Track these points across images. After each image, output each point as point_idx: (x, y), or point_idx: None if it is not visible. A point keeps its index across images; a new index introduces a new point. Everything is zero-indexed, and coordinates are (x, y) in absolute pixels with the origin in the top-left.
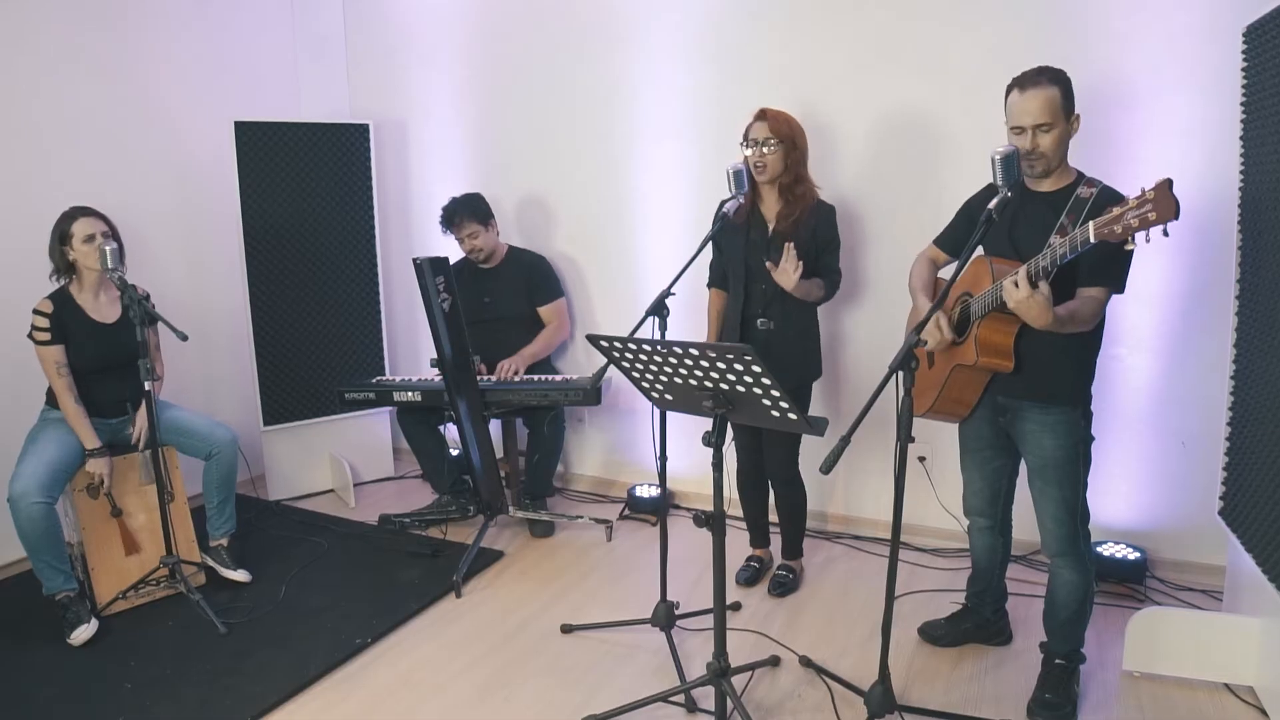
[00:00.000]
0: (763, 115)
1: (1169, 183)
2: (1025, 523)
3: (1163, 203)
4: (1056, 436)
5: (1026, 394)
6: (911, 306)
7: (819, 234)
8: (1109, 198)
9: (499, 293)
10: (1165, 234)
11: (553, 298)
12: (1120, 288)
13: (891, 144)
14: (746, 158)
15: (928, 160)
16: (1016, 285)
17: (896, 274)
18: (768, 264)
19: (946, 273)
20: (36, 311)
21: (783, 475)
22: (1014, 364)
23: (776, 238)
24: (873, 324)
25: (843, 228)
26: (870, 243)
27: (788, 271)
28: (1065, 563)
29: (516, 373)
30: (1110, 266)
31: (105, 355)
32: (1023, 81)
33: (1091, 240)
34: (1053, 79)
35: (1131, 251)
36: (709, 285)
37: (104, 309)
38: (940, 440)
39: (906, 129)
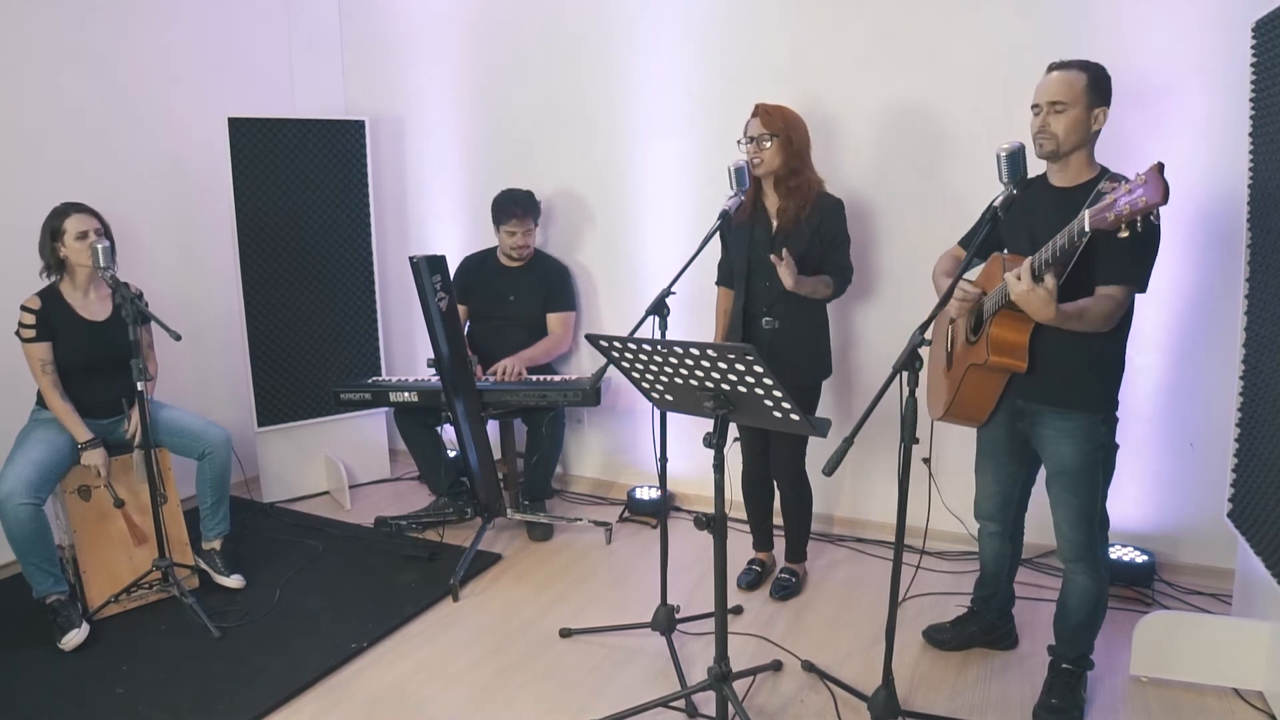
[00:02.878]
0: (757, 111)
1: (1160, 166)
2: (1034, 525)
3: (1153, 186)
4: (1075, 443)
5: (1045, 399)
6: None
7: (823, 229)
8: None
9: (522, 293)
10: (1155, 219)
11: (564, 308)
12: (1142, 286)
13: (899, 140)
14: (747, 154)
15: (935, 157)
16: (1019, 278)
17: (908, 271)
18: (772, 257)
19: (974, 274)
20: (24, 308)
21: (789, 475)
22: (1028, 365)
23: (780, 234)
24: (885, 321)
25: (853, 224)
26: (881, 239)
27: (785, 270)
28: (1080, 569)
29: (519, 375)
30: (1126, 262)
31: (95, 354)
32: (1053, 65)
33: (1087, 229)
34: (1083, 67)
35: (1152, 247)
36: (717, 284)
37: (94, 306)
38: (945, 442)
39: (914, 125)
